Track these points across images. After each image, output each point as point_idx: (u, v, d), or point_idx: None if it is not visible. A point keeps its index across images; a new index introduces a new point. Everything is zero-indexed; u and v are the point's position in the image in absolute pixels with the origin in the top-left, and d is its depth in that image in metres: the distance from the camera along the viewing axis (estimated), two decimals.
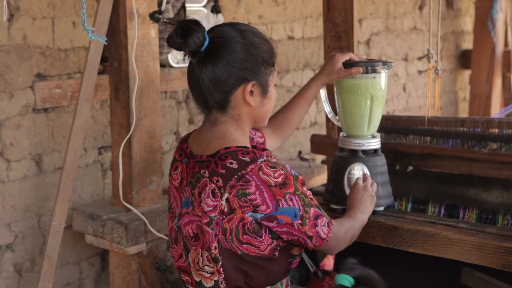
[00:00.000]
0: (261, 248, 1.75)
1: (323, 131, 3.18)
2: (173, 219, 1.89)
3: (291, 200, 1.73)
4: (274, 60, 1.85)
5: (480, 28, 5.44)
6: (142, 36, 2.47)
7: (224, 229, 1.72)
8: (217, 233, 1.73)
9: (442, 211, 2.42)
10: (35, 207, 2.74)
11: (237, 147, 1.76)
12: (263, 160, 1.73)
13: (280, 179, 1.72)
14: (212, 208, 1.72)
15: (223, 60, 1.76)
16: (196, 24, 1.76)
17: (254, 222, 1.72)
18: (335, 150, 2.38)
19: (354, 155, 2.26)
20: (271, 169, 1.72)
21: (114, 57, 2.49)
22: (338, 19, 2.61)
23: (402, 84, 5.09)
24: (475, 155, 2.36)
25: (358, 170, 2.23)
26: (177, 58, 3.21)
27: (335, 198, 2.32)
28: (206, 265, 1.77)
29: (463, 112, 5.85)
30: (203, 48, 1.76)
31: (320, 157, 3.72)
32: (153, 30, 2.52)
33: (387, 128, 2.59)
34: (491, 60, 5.39)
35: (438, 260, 2.17)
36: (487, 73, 5.41)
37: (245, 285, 1.78)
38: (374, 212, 2.28)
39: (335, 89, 2.31)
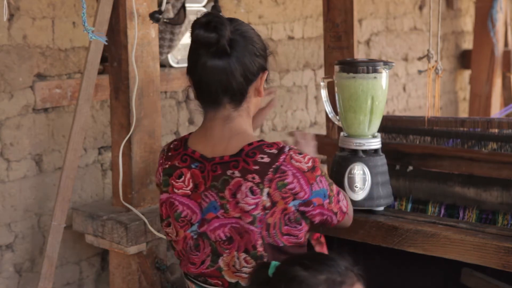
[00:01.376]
0: (299, 236, 1.79)
1: (323, 131, 3.19)
2: (186, 227, 1.83)
3: (321, 181, 1.79)
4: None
5: (480, 28, 5.43)
6: (142, 36, 2.47)
7: (268, 224, 1.73)
8: (261, 230, 1.73)
9: (442, 211, 2.42)
10: (35, 207, 2.74)
11: (258, 141, 1.77)
12: (289, 148, 1.77)
13: (310, 164, 1.77)
14: (254, 206, 1.71)
15: (249, 49, 1.77)
16: (222, 17, 1.77)
17: (296, 211, 1.76)
18: (335, 150, 2.38)
19: (355, 155, 2.26)
20: (300, 156, 1.77)
21: (114, 57, 2.49)
22: (338, 19, 2.61)
23: (402, 84, 5.09)
24: (475, 155, 2.36)
25: (358, 170, 2.23)
26: (177, 58, 3.20)
27: None
28: (244, 266, 1.76)
29: (463, 112, 5.85)
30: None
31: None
32: (153, 30, 2.51)
33: (387, 128, 2.59)
34: (491, 60, 5.38)
35: (438, 260, 2.17)
36: (487, 73, 5.40)
37: None
38: (374, 212, 2.28)
39: (336, 89, 2.31)
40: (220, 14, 1.82)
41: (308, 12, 4.10)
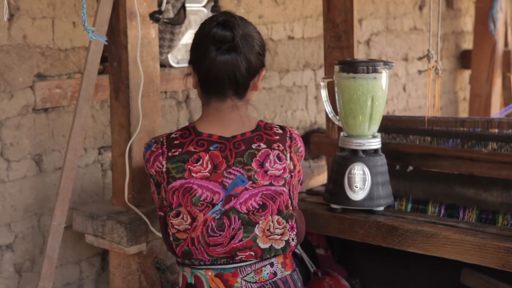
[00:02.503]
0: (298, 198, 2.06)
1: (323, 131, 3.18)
2: (207, 210, 1.92)
3: None
4: None
5: (480, 28, 5.43)
6: (142, 36, 2.46)
7: (293, 185, 1.99)
8: (289, 192, 1.97)
9: (442, 211, 2.42)
10: (35, 207, 2.74)
11: (261, 121, 2.02)
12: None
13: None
14: (283, 170, 1.95)
15: (254, 48, 1.93)
16: (236, 17, 1.92)
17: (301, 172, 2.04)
18: (335, 150, 2.38)
19: (355, 155, 2.26)
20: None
21: (114, 57, 2.49)
22: (338, 19, 2.61)
23: (402, 84, 5.09)
24: (475, 155, 2.36)
25: (358, 170, 2.23)
26: (177, 58, 3.20)
27: (335, 198, 2.32)
28: (276, 228, 1.94)
29: (463, 112, 5.85)
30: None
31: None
32: (153, 30, 2.51)
33: (387, 128, 2.59)
34: (491, 60, 5.38)
35: (438, 260, 2.17)
36: (487, 73, 5.40)
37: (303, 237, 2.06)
38: (374, 212, 2.28)
39: (336, 89, 2.31)
40: (232, 12, 1.95)
41: (308, 12, 4.10)
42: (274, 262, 1.98)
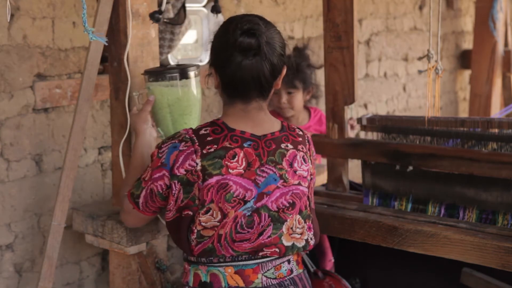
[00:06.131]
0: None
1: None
2: (238, 207, 1.94)
3: None
4: None
5: (480, 28, 5.44)
6: (142, 36, 2.47)
7: (311, 188, 2.07)
8: (308, 194, 2.04)
9: (442, 211, 2.42)
10: (35, 207, 2.74)
11: (283, 121, 2.08)
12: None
13: None
14: (307, 171, 2.03)
15: (276, 50, 1.96)
16: (259, 23, 1.94)
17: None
18: (335, 150, 2.38)
19: None
20: None
21: (114, 57, 2.49)
22: (338, 19, 2.61)
23: (402, 84, 5.09)
24: (475, 155, 2.36)
25: None
26: (177, 58, 3.20)
27: None
28: (297, 227, 2.01)
29: (463, 112, 5.85)
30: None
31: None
32: (153, 30, 2.52)
33: (387, 128, 2.59)
34: (491, 60, 5.39)
35: (438, 260, 2.17)
36: (487, 73, 5.41)
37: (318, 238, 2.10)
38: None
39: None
40: (254, 18, 1.97)
41: (308, 12, 4.10)
42: (291, 260, 2.04)
